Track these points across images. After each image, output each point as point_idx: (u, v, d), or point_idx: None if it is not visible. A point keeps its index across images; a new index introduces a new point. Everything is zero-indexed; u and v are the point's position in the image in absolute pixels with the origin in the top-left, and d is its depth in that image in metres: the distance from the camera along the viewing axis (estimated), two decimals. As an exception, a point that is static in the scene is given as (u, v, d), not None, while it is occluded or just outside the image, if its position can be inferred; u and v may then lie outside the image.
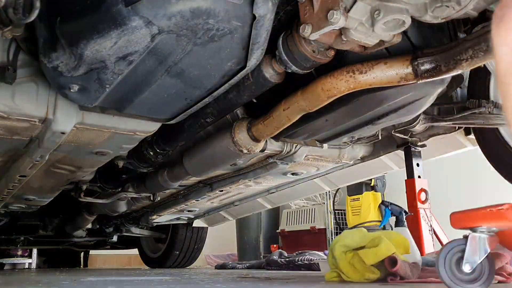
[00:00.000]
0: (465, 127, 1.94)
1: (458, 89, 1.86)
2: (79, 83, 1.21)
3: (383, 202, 2.01)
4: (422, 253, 1.86)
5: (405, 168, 2.26)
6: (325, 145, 1.98)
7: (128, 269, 4.41)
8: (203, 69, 1.20)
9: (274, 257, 2.83)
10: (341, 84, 1.27)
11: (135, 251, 4.75)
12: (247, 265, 3.22)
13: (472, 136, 1.96)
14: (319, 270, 2.38)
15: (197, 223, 3.90)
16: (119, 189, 2.45)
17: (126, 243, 4.45)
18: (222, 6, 0.98)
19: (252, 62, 1.18)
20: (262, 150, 1.80)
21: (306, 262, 2.52)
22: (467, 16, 1.07)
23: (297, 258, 2.60)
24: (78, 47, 1.06)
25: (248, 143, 1.62)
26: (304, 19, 1.11)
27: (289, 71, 1.27)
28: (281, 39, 1.23)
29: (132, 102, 1.35)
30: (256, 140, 1.61)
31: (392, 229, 3.93)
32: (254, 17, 1.03)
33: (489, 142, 1.77)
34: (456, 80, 1.51)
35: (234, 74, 1.24)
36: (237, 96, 1.42)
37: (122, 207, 2.89)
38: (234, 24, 1.03)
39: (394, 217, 1.93)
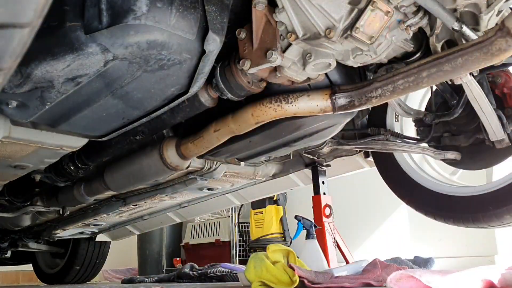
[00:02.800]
0: (364, 150, 2.21)
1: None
2: (19, 99, 1.21)
3: (296, 217, 2.19)
4: (328, 262, 2.07)
5: (309, 184, 2.48)
6: (242, 163, 2.13)
7: (25, 286, 4.15)
8: (147, 93, 1.27)
9: (186, 270, 2.88)
10: (269, 111, 1.42)
11: (24, 267, 4.48)
12: (156, 278, 3.22)
13: (370, 159, 2.23)
14: (232, 281, 2.50)
15: (100, 237, 3.81)
16: (28, 203, 2.36)
17: (19, 258, 4.19)
18: (176, 40, 1.08)
19: (194, 89, 1.28)
20: (186, 168, 1.88)
21: (218, 274, 2.61)
22: (379, 62, 1.28)
23: (209, 271, 2.68)
24: (28, 66, 1.08)
25: (176, 160, 1.70)
26: (243, 54, 1.25)
27: (224, 97, 1.40)
28: (218, 68, 1.35)
29: (69, 119, 1.37)
30: (184, 158, 1.70)
31: (291, 240, 4.18)
32: (203, 51, 1.14)
33: (385, 164, 2.04)
34: (363, 111, 1.75)
35: (175, 99, 1.34)
36: (170, 116, 1.51)
37: (26, 221, 2.77)
38: (185, 56, 1.13)
39: (305, 230, 2.12)
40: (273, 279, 1.56)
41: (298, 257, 1.84)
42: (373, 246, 4.28)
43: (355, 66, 1.25)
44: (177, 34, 1.07)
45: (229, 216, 4.83)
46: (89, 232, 3.50)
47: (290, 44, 1.19)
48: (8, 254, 3.74)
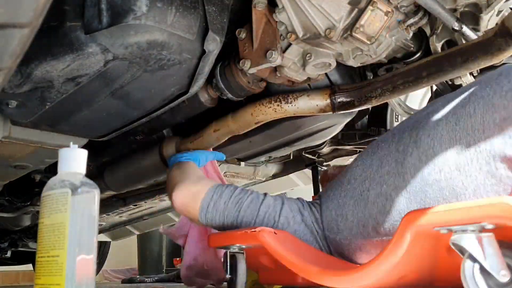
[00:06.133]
0: (365, 150, 2.20)
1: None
2: (19, 99, 1.21)
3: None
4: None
5: (309, 185, 2.48)
6: (242, 163, 2.13)
7: (25, 286, 4.15)
8: (147, 93, 1.27)
9: (186, 269, 2.88)
10: (269, 111, 1.42)
11: (24, 267, 4.48)
12: (156, 278, 3.22)
13: (370, 159, 2.23)
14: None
15: (100, 237, 3.81)
16: (28, 203, 2.36)
17: (19, 258, 4.19)
18: (176, 40, 1.08)
19: (194, 89, 1.28)
20: (186, 167, 1.88)
21: (218, 273, 2.61)
22: (379, 62, 1.28)
23: (209, 270, 2.68)
24: (28, 66, 1.08)
25: (176, 160, 1.70)
26: (244, 54, 1.25)
27: (224, 97, 1.40)
28: (218, 68, 1.36)
29: (69, 119, 1.37)
30: (184, 158, 1.70)
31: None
32: (203, 51, 1.14)
33: (385, 164, 2.04)
34: (363, 111, 1.75)
35: (175, 99, 1.33)
36: (170, 116, 1.51)
37: (26, 221, 2.77)
38: (185, 56, 1.13)
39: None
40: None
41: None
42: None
43: (355, 66, 1.25)
44: (177, 34, 1.07)
45: (229, 216, 4.81)
46: (89, 232, 3.50)
47: (290, 44, 1.19)
48: (8, 254, 3.74)
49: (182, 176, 1.39)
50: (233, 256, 1.25)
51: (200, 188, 1.32)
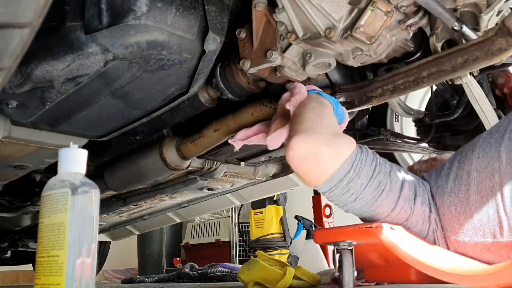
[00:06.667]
0: (365, 150, 2.20)
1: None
2: (19, 99, 1.21)
3: (296, 217, 2.19)
4: (327, 262, 2.08)
5: (309, 185, 2.48)
6: (242, 163, 2.12)
7: (25, 286, 4.15)
8: (147, 93, 1.27)
9: (186, 270, 2.88)
10: (269, 111, 1.42)
11: (24, 267, 4.48)
12: (156, 278, 3.22)
13: (370, 159, 2.22)
14: (232, 281, 2.51)
15: (100, 237, 3.81)
16: (28, 203, 2.36)
17: (19, 258, 4.19)
18: (176, 40, 1.08)
19: (194, 89, 1.29)
20: (186, 167, 1.88)
21: (218, 274, 2.62)
22: (379, 62, 1.28)
23: (209, 270, 2.68)
24: (28, 66, 1.08)
25: (177, 160, 1.70)
26: (243, 54, 1.25)
27: (224, 97, 1.40)
28: (218, 68, 1.36)
29: (69, 119, 1.37)
30: (184, 158, 1.70)
31: (291, 240, 4.19)
32: (203, 51, 1.14)
33: (385, 164, 2.03)
34: (363, 111, 1.75)
35: (175, 99, 1.34)
36: (170, 116, 1.51)
37: (26, 221, 2.77)
38: (185, 56, 1.13)
39: (305, 230, 2.12)
40: (267, 276, 1.56)
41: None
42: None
43: (355, 66, 1.26)
44: (177, 34, 1.07)
45: (229, 216, 4.83)
46: (89, 232, 3.49)
47: (290, 44, 1.19)
48: (8, 254, 3.73)
49: (317, 123, 1.11)
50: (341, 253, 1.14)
51: (333, 153, 1.06)
